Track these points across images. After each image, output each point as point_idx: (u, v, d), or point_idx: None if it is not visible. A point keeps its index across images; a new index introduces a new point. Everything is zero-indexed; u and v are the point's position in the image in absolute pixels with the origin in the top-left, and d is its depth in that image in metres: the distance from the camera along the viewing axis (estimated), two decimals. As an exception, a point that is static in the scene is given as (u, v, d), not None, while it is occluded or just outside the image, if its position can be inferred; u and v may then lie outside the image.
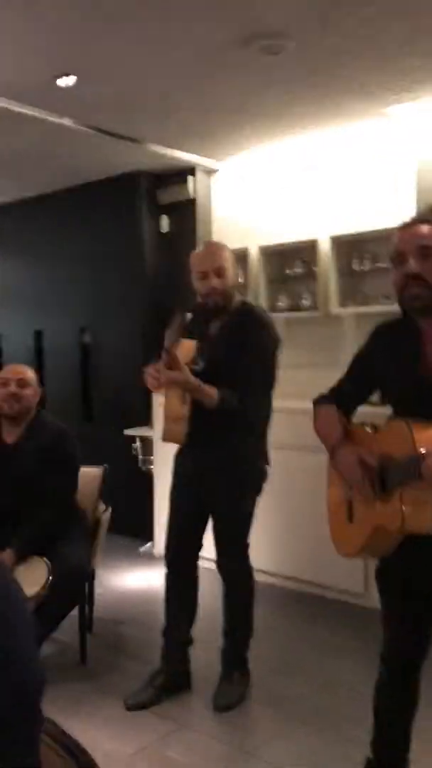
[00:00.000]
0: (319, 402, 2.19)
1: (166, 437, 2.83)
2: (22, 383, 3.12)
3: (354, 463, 1.93)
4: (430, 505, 1.74)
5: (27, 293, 6.18)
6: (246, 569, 2.95)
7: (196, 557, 3.01)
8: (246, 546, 2.93)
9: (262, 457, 2.92)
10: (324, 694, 2.95)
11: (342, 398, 2.14)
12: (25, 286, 6.19)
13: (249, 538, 2.94)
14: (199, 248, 2.85)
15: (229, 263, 2.77)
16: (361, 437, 2.01)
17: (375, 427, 2.01)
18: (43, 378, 5.96)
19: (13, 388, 3.10)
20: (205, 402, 2.67)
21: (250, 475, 2.88)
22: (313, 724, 2.70)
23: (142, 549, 5.07)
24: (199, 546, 2.99)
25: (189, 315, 2.68)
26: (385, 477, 1.87)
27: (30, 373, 3.19)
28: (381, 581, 2.04)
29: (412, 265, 1.83)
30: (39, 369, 6.00)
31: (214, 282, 2.73)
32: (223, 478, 2.83)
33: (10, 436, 3.16)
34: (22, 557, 2.93)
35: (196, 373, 2.68)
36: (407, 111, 3.92)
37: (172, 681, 2.93)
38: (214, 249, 2.84)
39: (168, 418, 2.80)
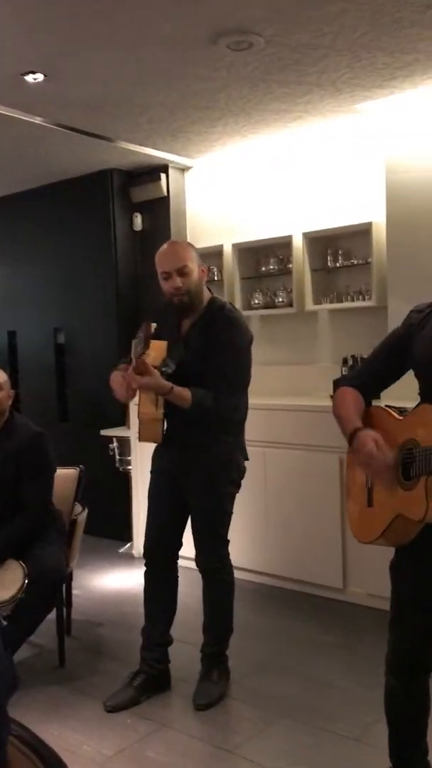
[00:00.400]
0: (339, 383, 2.12)
1: (143, 437, 2.82)
2: None
3: (372, 450, 1.85)
4: None
5: None
6: (225, 565, 2.95)
7: (176, 555, 3.00)
8: (225, 542, 2.93)
9: (240, 453, 2.92)
10: (304, 690, 2.95)
11: (367, 379, 2.07)
12: (-2, 287, 6.13)
13: (228, 534, 2.94)
14: (163, 248, 2.82)
15: (192, 262, 2.75)
16: (384, 420, 1.95)
17: (401, 411, 1.95)
18: (18, 378, 5.91)
19: None
20: (180, 405, 2.66)
21: (228, 471, 2.87)
22: (294, 721, 2.70)
23: (122, 550, 5.05)
24: (179, 544, 2.98)
25: (155, 325, 2.66)
26: (410, 463, 1.81)
27: (2, 376, 3.15)
28: (394, 574, 1.98)
29: None
30: (13, 369, 5.95)
31: (178, 282, 2.72)
32: (201, 474, 2.82)
33: None
34: None
35: (167, 376, 2.67)
36: (377, 108, 3.94)
37: (151, 681, 2.91)
38: (177, 248, 2.81)
39: (143, 420, 2.79)
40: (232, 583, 2.98)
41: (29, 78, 3.44)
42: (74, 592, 3.68)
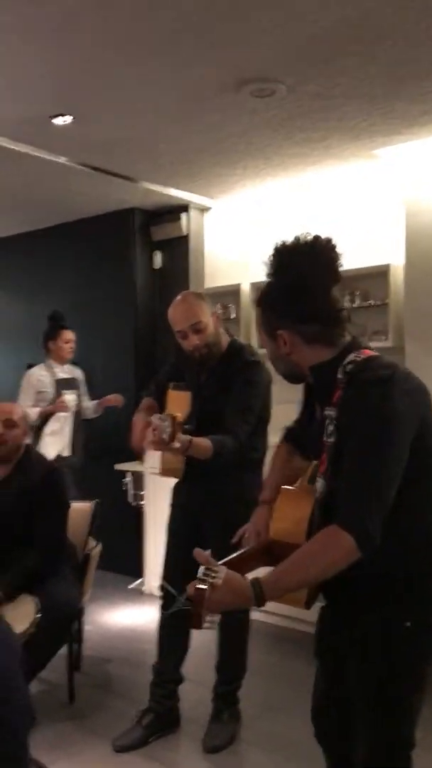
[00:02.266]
0: (281, 437, 2.08)
1: (164, 473, 2.83)
2: (9, 423, 3.07)
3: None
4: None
5: (19, 327, 6.19)
6: None
7: None
8: None
9: (258, 491, 2.92)
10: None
11: (299, 432, 1.99)
12: (18, 321, 6.21)
13: None
14: (174, 303, 2.80)
15: (205, 315, 2.74)
16: (291, 494, 1.86)
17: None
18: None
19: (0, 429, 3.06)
20: (203, 457, 2.62)
21: (246, 509, 2.86)
22: (306, 764, 2.64)
23: (132, 586, 5.01)
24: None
25: (181, 417, 2.54)
26: None
27: (17, 412, 3.14)
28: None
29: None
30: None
31: (195, 339, 2.72)
32: (219, 512, 2.82)
33: None
34: (9, 598, 2.88)
35: (189, 432, 2.65)
36: (397, 152, 4.01)
37: (160, 720, 2.88)
38: (188, 305, 2.76)
39: (164, 470, 2.80)
40: (247, 622, 2.95)
41: (58, 120, 3.54)
42: (85, 627, 3.66)
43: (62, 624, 2.94)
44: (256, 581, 1.48)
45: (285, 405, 4.56)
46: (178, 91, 3.25)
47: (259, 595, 1.48)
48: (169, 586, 2.88)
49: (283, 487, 1.84)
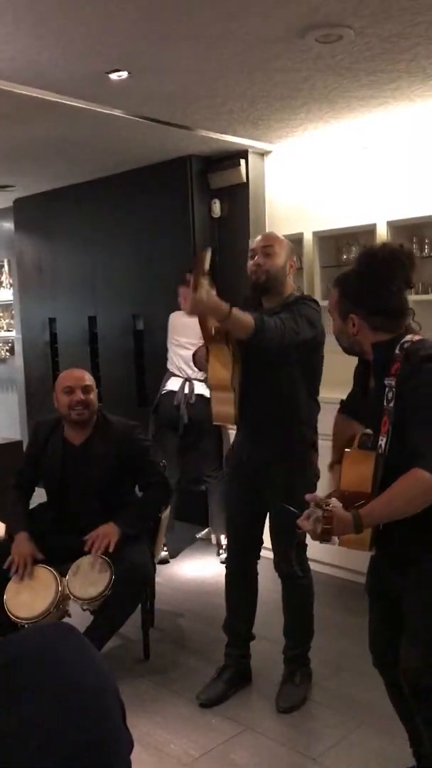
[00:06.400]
0: (337, 409, 2.40)
1: (217, 418, 2.81)
2: (87, 389, 3.14)
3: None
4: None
5: (80, 278, 6.20)
6: (305, 570, 2.95)
7: (257, 556, 3.03)
8: (304, 547, 2.93)
9: (313, 449, 2.90)
10: (383, 695, 2.93)
11: (354, 405, 2.30)
12: (78, 271, 6.20)
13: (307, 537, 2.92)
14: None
15: (281, 248, 2.82)
16: (354, 454, 2.09)
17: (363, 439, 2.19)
18: (98, 363, 6.02)
19: (80, 395, 3.12)
20: (243, 333, 2.50)
21: (304, 477, 2.86)
22: (379, 726, 2.69)
23: (199, 535, 5.13)
24: (260, 543, 3.01)
25: (209, 250, 2.53)
26: None
27: (89, 377, 3.21)
28: None
29: None
30: (93, 354, 6.07)
31: (260, 260, 2.78)
32: (277, 471, 2.82)
33: (77, 437, 3.20)
34: (125, 531, 3.02)
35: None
36: (470, 90, 3.75)
37: (239, 675, 3.00)
38: (270, 233, 3.00)
39: (214, 387, 2.75)
40: (311, 588, 2.99)
41: (114, 76, 3.43)
42: (156, 580, 3.75)
43: (137, 587, 3.04)
44: (355, 512, 1.82)
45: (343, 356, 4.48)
46: (236, 42, 3.07)
47: (358, 522, 1.82)
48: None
49: (345, 450, 2.11)
